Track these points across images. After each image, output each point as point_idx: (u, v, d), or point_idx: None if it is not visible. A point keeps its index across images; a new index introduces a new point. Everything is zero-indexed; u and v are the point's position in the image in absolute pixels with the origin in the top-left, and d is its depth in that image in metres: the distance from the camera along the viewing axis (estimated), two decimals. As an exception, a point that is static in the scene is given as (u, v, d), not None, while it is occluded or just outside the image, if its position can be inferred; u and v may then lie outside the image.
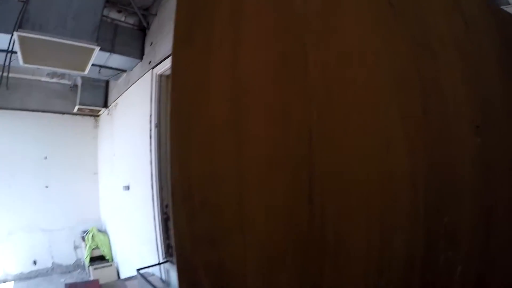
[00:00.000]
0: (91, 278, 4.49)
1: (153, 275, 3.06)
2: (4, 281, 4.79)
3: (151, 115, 3.09)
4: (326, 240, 0.76)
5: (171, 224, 2.99)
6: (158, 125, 2.98)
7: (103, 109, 5.10)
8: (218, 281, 0.65)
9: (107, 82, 5.10)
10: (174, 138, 0.63)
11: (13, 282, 4.80)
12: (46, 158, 5.23)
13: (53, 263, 5.18)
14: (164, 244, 2.98)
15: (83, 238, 4.89)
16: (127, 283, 2.95)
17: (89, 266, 4.59)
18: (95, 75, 4.46)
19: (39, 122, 5.18)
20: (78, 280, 4.86)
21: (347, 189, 0.79)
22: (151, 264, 2.71)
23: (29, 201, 4.99)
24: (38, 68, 4.48)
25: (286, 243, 0.72)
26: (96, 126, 5.69)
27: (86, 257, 4.66)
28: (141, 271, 2.58)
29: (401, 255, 0.86)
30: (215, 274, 0.65)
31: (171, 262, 2.75)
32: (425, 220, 0.89)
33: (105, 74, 4.44)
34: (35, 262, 5.06)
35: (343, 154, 0.79)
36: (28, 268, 5.02)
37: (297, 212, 0.73)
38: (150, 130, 3.07)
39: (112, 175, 4.54)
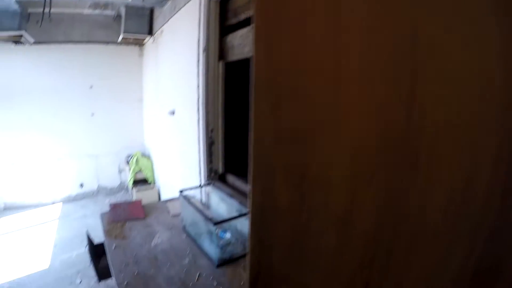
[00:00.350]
0: (134, 199, 4.72)
1: (193, 197, 3.13)
2: (53, 203, 5.16)
3: (199, 40, 2.99)
4: (419, 156, 0.65)
5: (215, 148, 3.04)
6: (206, 49, 2.89)
7: (148, 37, 5.02)
8: (297, 188, 0.58)
9: (152, 10, 4.97)
10: (260, 21, 0.55)
11: (61, 203, 5.17)
12: (91, 87, 5.35)
13: (98, 185, 5.51)
14: (207, 168, 3.02)
15: (128, 162, 5.09)
16: (168, 203, 3.04)
17: (132, 188, 4.80)
18: (139, 3, 4.36)
19: (83, 53, 5.23)
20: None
21: (448, 103, 0.67)
22: (193, 186, 2.76)
23: (76, 129, 5.23)
24: (80, 0, 4.46)
25: (377, 151, 0.63)
26: (140, 54, 5.65)
27: (130, 179, 4.87)
28: (183, 193, 2.63)
29: (482, 193, 0.74)
30: (295, 179, 0.58)
31: (213, 185, 2.79)
32: (508, 164, 0.74)
33: (149, 2, 4.33)
34: (81, 185, 5.41)
35: (447, 66, 0.66)
36: (75, 190, 5.39)
37: (394, 117, 0.63)
38: (198, 54, 2.99)
39: (157, 102, 4.57)
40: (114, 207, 2.84)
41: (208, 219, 2.12)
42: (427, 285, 0.68)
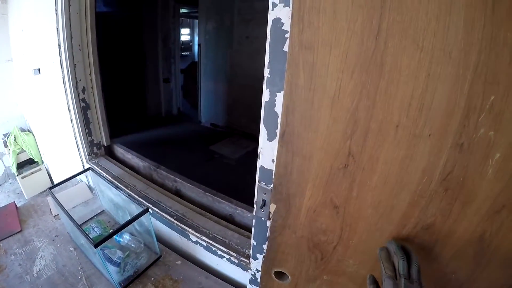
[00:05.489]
0: (22, 188, 3.73)
1: (78, 183, 2.32)
2: None
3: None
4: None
5: (92, 114, 2.15)
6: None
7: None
8: (308, 75, 0.78)
9: None
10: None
11: None
12: None
13: (-22, 180, 4.28)
14: (85, 142, 2.16)
15: (5, 143, 3.95)
16: (49, 199, 2.20)
17: (17, 175, 3.77)
18: None
19: None
20: (11, 193, 4.09)
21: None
22: (67, 178, 1.92)
23: None
24: None
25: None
26: (4, 1, 4.24)
27: (12, 164, 3.79)
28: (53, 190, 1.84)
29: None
30: (308, 71, 0.77)
31: (93, 170, 1.97)
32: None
33: None
34: None
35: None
36: None
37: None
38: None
39: (23, 59, 3.42)
40: (-19, 221, 1.99)
41: (86, 237, 1.37)
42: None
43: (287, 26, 0.81)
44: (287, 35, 0.81)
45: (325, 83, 0.76)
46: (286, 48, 0.83)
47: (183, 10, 7.49)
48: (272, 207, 1.03)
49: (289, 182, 0.95)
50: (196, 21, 8.75)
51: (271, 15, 0.83)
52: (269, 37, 0.86)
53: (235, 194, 1.70)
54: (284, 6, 0.80)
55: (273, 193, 1.01)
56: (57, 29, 2.00)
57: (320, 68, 0.75)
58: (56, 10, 1.99)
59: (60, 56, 2.04)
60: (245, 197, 1.59)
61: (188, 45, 12.37)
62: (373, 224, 0.83)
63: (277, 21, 0.83)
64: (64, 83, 2.05)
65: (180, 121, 5.07)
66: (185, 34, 12.38)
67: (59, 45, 2.02)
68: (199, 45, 4.70)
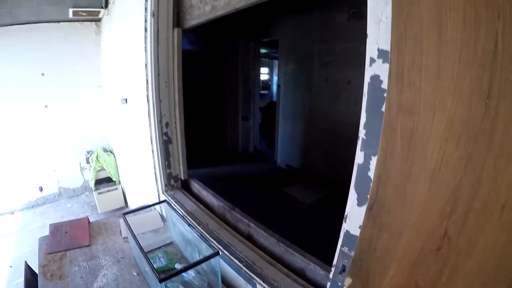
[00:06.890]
0: (96, 203, 4.02)
1: (154, 209, 2.42)
2: (12, 212, 4.48)
3: (146, 1, 2.18)
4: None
5: (173, 148, 2.26)
6: (156, 13, 2.08)
7: (103, 10, 4.14)
8: (407, 143, 0.72)
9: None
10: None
11: (21, 212, 4.48)
12: (43, 74, 4.46)
13: (59, 187, 4.77)
14: (164, 174, 2.27)
15: (88, 160, 4.32)
16: (121, 220, 2.32)
17: (94, 190, 4.08)
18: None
19: (33, 36, 4.28)
20: (85, 204, 4.44)
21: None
22: (142, 206, 2.02)
23: (28, 124, 4.41)
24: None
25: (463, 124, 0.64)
26: (98, 32, 4.70)
27: (91, 180, 4.12)
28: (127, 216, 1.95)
29: None
30: (407, 138, 0.72)
31: (168, 203, 2.04)
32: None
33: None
34: (41, 189, 4.69)
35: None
36: (35, 195, 4.68)
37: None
38: (145, 21, 2.18)
39: (113, 87, 3.76)
40: (55, 229, 2.15)
41: (152, 269, 1.42)
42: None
43: (386, 85, 0.75)
44: (386, 94, 0.76)
45: (425, 153, 0.68)
46: (384, 109, 0.77)
47: (263, 51, 7.77)
48: (348, 281, 0.96)
49: (371, 259, 0.88)
50: (275, 61, 9.00)
51: (369, 72, 0.79)
52: (365, 95, 0.82)
53: (306, 241, 1.65)
54: (383, 62, 0.76)
55: (351, 267, 0.95)
56: (146, 65, 2.17)
57: (421, 135, 0.68)
58: (145, 48, 2.17)
59: (147, 91, 2.20)
60: (316, 246, 1.54)
61: (266, 84, 12.65)
62: (459, 315, 0.74)
63: (375, 78, 0.78)
64: (149, 116, 2.21)
65: (255, 159, 5.15)
66: (264, 74, 12.71)
67: (147, 81, 2.19)
68: (278, 85, 4.79)
